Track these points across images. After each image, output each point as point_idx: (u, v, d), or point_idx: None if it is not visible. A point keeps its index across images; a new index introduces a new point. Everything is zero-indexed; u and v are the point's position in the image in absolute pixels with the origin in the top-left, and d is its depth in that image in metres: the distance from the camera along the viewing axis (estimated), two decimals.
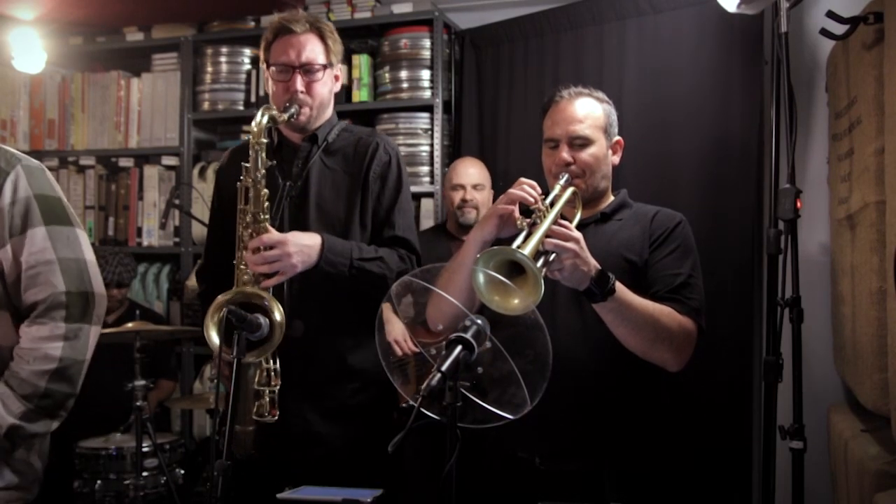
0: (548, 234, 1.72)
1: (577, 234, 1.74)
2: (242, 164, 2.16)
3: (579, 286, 1.75)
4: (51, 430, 1.89)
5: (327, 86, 2.32)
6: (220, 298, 2.06)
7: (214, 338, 2.01)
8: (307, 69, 2.26)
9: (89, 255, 1.95)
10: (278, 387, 2.12)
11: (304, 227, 2.24)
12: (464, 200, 3.26)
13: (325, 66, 2.29)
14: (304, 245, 2.14)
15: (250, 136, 2.16)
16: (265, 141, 2.16)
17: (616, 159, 2.08)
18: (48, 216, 1.89)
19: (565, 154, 1.98)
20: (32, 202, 1.88)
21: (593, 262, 1.75)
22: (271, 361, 2.12)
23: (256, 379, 2.11)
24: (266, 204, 2.15)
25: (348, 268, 2.20)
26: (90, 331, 1.90)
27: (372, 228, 2.33)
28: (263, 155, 2.15)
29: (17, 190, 1.87)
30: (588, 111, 2.01)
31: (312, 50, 2.27)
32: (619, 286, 1.77)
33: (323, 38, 2.30)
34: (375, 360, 2.31)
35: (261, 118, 2.15)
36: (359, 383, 2.31)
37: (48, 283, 1.85)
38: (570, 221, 1.85)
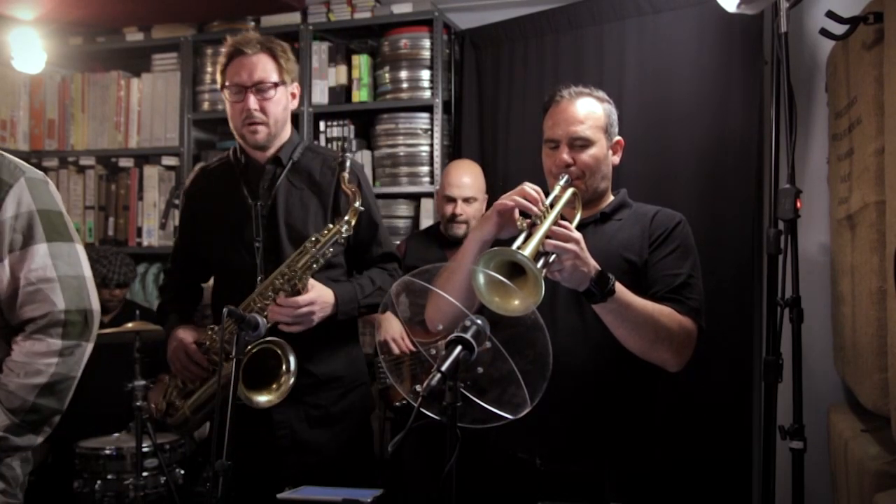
0: (548, 235, 1.71)
1: (578, 235, 1.74)
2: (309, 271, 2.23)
3: (579, 287, 1.75)
4: (34, 445, 1.87)
5: (281, 103, 2.36)
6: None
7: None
8: (259, 88, 2.31)
9: (87, 271, 1.95)
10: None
11: (276, 246, 2.31)
12: (454, 215, 3.16)
13: (276, 84, 2.33)
14: (325, 302, 2.27)
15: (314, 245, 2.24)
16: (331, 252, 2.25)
17: (616, 159, 2.08)
18: (50, 232, 1.88)
19: (566, 155, 1.97)
20: (35, 217, 1.86)
21: (593, 263, 1.74)
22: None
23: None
24: (308, 272, 2.23)
25: (357, 310, 2.35)
26: (86, 348, 1.90)
27: (357, 249, 2.42)
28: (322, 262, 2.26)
29: (21, 204, 1.86)
30: (589, 111, 2.00)
31: (264, 69, 2.32)
32: (618, 287, 1.77)
33: (275, 57, 2.34)
34: (353, 365, 2.45)
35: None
36: (340, 389, 2.38)
37: (47, 300, 1.84)
38: (570, 222, 1.85)
